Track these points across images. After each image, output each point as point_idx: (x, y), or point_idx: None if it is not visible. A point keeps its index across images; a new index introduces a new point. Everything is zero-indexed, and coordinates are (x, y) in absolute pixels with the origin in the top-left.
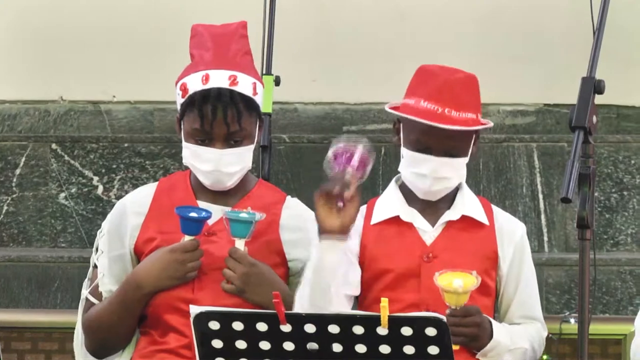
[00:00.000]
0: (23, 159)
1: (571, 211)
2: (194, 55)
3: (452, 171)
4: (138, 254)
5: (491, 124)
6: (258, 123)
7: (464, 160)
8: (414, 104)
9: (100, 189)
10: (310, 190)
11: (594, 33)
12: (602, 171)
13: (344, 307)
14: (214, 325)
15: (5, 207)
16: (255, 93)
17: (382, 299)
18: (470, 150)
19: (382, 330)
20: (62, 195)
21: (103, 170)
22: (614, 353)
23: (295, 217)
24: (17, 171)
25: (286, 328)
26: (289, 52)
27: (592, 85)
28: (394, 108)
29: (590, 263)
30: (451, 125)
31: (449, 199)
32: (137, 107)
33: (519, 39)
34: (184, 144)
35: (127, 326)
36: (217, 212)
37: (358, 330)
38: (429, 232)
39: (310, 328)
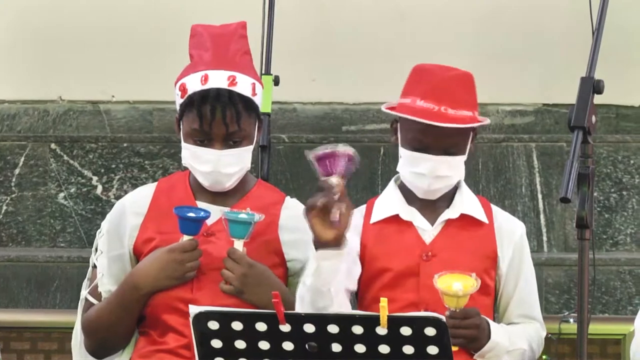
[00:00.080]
0: (22, 159)
1: (570, 211)
2: (193, 56)
3: (450, 169)
4: (137, 254)
5: (488, 121)
6: (257, 124)
7: (462, 158)
8: (411, 103)
9: (100, 188)
10: (309, 190)
11: (593, 33)
12: (602, 171)
13: (344, 301)
14: (213, 325)
15: (4, 207)
16: (254, 93)
17: (382, 298)
18: (468, 148)
19: (382, 330)
20: (61, 195)
21: (102, 170)
22: (613, 353)
23: (294, 217)
24: (16, 171)
25: (285, 328)
26: (288, 52)
27: (591, 85)
28: (391, 108)
29: (589, 263)
30: (448, 123)
31: (448, 197)
32: (136, 107)
33: (518, 39)
34: (183, 144)
35: (126, 326)
36: (216, 212)
37: (357, 330)
38: (428, 231)
39: (309, 328)
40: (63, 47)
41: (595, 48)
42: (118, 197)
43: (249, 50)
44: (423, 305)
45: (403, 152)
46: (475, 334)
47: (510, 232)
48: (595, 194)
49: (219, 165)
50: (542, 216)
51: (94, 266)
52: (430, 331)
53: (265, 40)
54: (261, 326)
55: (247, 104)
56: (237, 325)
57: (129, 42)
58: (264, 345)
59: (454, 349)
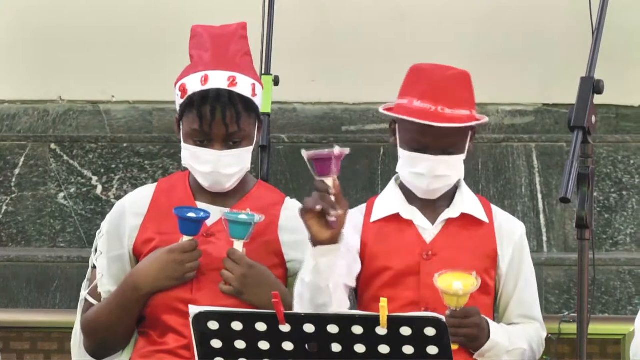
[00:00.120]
0: (22, 159)
1: (570, 211)
2: (193, 56)
3: (449, 169)
4: (137, 255)
5: (486, 119)
6: (257, 124)
7: (461, 157)
8: (408, 103)
9: (99, 188)
10: (309, 190)
11: (593, 33)
12: (601, 171)
13: (343, 297)
14: (213, 325)
15: (4, 207)
16: (254, 94)
17: (382, 299)
18: (467, 147)
19: (381, 330)
20: (61, 195)
21: (102, 170)
22: (613, 353)
23: (294, 218)
24: (16, 171)
25: (285, 328)
26: (288, 52)
27: (591, 85)
28: (388, 109)
29: (589, 263)
30: (445, 123)
31: (449, 197)
32: (136, 107)
33: (518, 39)
34: (183, 145)
35: (125, 327)
36: (216, 213)
37: (357, 330)
38: (428, 230)
39: (309, 328)
40: (63, 47)
41: (595, 48)
42: (118, 197)
43: (249, 51)
44: (423, 304)
45: (402, 152)
46: (476, 333)
47: (510, 231)
48: (595, 194)
49: (219, 165)
50: (542, 216)
51: (94, 267)
52: (430, 331)
53: (265, 40)
54: (261, 326)
55: (247, 104)
56: (237, 326)
57: (129, 42)
58: (263, 345)
59: (454, 347)
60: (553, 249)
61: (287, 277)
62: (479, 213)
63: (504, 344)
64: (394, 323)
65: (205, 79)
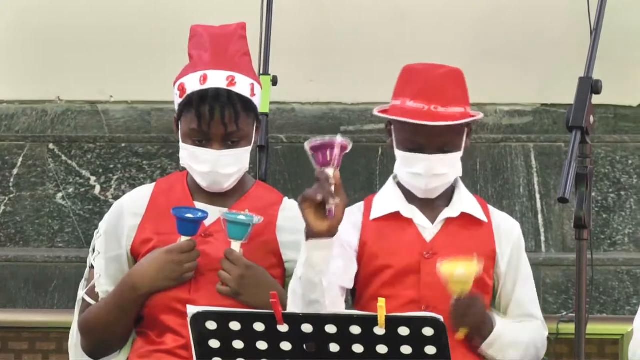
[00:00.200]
0: (20, 159)
1: (568, 211)
2: (193, 56)
3: (447, 167)
4: (135, 255)
5: (481, 115)
6: (255, 124)
7: (458, 154)
8: (401, 104)
9: (98, 189)
10: None
11: (591, 33)
12: (600, 171)
13: (338, 299)
14: (211, 325)
15: (2, 207)
16: (253, 94)
17: (380, 299)
18: (463, 144)
19: (380, 330)
20: (60, 195)
21: (100, 170)
22: (611, 353)
23: (292, 218)
24: (15, 171)
25: (283, 328)
26: (286, 52)
27: (589, 85)
28: (383, 111)
29: (587, 263)
30: (439, 122)
31: (447, 196)
32: (135, 107)
33: (517, 40)
34: (181, 144)
35: (123, 326)
36: (214, 213)
37: (355, 330)
38: (428, 229)
39: (307, 328)
40: (61, 48)
41: (594, 48)
42: (116, 198)
43: (249, 51)
44: (424, 303)
45: (398, 153)
46: (483, 319)
47: (508, 231)
48: (593, 194)
49: (217, 165)
50: (540, 216)
51: (92, 267)
52: (428, 331)
53: (263, 40)
54: (259, 326)
55: (246, 104)
56: (235, 326)
57: (128, 43)
58: (261, 345)
59: (461, 336)
60: (551, 249)
61: (285, 277)
62: (478, 212)
63: (508, 336)
64: (392, 323)
65: (204, 79)
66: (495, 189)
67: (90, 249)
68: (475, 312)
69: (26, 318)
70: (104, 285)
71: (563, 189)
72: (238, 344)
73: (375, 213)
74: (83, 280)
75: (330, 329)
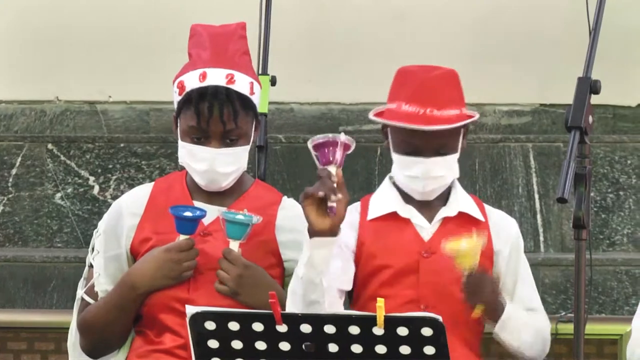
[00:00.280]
0: (19, 159)
1: (567, 211)
2: (192, 55)
3: (443, 169)
4: (134, 254)
5: (477, 116)
6: (254, 123)
7: (455, 156)
8: (396, 108)
9: (96, 189)
10: None
11: (589, 33)
12: (598, 171)
13: (336, 301)
14: (210, 325)
15: (1, 207)
16: (252, 92)
17: (378, 299)
18: (460, 145)
19: (378, 331)
20: (58, 195)
21: (99, 171)
22: (610, 353)
23: (291, 218)
24: (13, 171)
25: (282, 328)
26: (285, 52)
27: (588, 85)
28: (378, 114)
29: (586, 263)
30: (434, 126)
31: (444, 196)
32: (133, 107)
33: (515, 40)
34: (180, 143)
35: (122, 326)
36: (213, 212)
37: (354, 330)
38: (426, 229)
39: (306, 328)
40: (60, 47)
41: (592, 48)
42: (115, 198)
43: (248, 51)
44: (423, 302)
45: (395, 156)
46: (496, 296)
47: (505, 229)
48: (592, 194)
49: (215, 164)
50: (538, 216)
51: (91, 266)
52: (427, 331)
53: (262, 40)
54: (258, 326)
55: (245, 102)
56: (233, 326)
57: (127, 43)
58: (260, 345)
59: (478, 313)
60: (550, 249)
61: (284, 277)
62: (475, 212)
63: (519, 318)
64: (391, 323)
65: (203, 76)
66: (494, 189)
67: (90, 249)
68: (488, 287)
69: (25, 318)
70: (103, 284)
71: (562, 189)
72: (237, 344)
73: (372, 213)
74: (82, 279)
75: (329, 329)
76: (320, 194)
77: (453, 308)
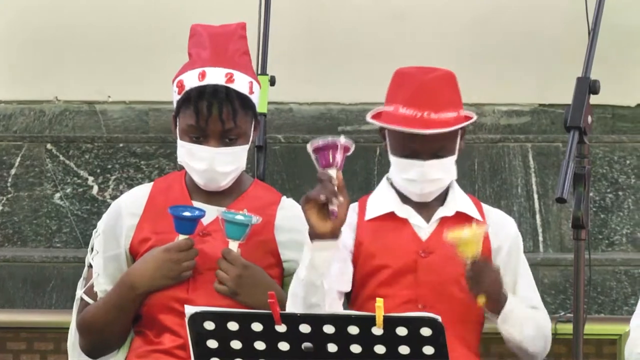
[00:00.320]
0: (18, 159)
1: (566, 211)
2: (192, 54)
3: (441, 172)
4: (133, 254)
5: (474, 118)
6: (253, 123)
7: (452, 158)
8: (393, 110)
9: (96, 189)
10: (305, 190)
11: (589, 33)
12: (597, 171)
13: (336, 303)
14: (209, 325)
15: (0, 207)
16: (251, 92)
17: (378, 299)
18: (457, 147)
19: (377, 331)
20: (57, 195)
21: (98, 171)
22: (609, 353)
23: (290, 218)
24: (12, 171)
25: (281, 328)
26: (284, 52)
27: (587, 86)
28: (376, 116)
29: (585, 263)
30: (432, 130)
31: (441, 196)
32: (132, 107)
33: (515, 40)
34: (179, 142)
35: (121, 326)
36: (212, 212)
37: (353, 330)
38: (424, 228)
39: (305, 328)
40: (59, 47)
41: (591, 48)
42: (114, 198)
43: (248, 51)
44: (421, 302)
45: (392, 159)
46: (499, 285)
47: (503, 227)
48: (591, 194)
49: (214, 163)
50: (538, 216)
51: (90, 266)
52: (426, 331)
53: (261, 40)
54: (257, 326)
55: (244, 101)
56: (232, 326)
57: (126, 43)
58: (259, 345)
59: (482, 302)
60: (549, 249)
61: (283, 277)
62: (472, 211)
63: (522, 311)
64: (390, 323)
65: (202, 75)
66: (493, 189)
67: (89, 249)
68: (491, 276)
69: (24, 318)
70: (103, 284)
71: (561, 189)
72: (236, 344)
73: (370, 213)
74: (81, 279)
75: (328, 329)
76: (322, 198)
77: (451, 308)
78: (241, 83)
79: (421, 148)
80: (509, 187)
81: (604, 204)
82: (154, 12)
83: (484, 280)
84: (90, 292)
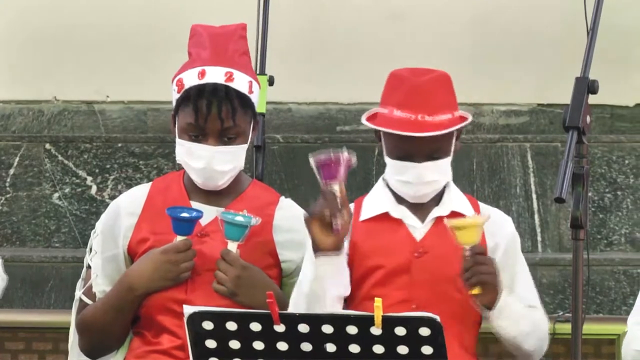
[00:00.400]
0: (17, 159)
1: (565, 211)
2: (192, 53)
3: (436, 174)
4: (132, 255)
5: (469, 119)
6: (252, 122)
7: (448, 159)
8: (388, 113)
9: (94, 189)
10: (304, 190)
11: (587, 33)
12: (596, 171)
13: (337, 306)
14: (208, 325)
15: None
16: (250, 91)
17: (376, 299)
18: (452, 149)
19: (376, 330)
20: (56, 195)
21: (97, 170)
22: (607, 353)
23: (289, 218)
24: (11, 171)
25: (280, 328)
26: (283, 51)
27: (585, 85)
28: (371, 118)
29: (583, 263)
30: (426, 132)
31: (437, 196)
32: (131, 107)
33: (513, 39)
34: (178, 140)
35: (120, 327)
36: (210, 212)
37: (352, 330)
38: (418, 229)
39: (303, 328)
40: (58, 47)
41: (590, 48)
42: (112, 198)
43: (248, 51)
44: (414, 302)
45: (388, 160)
46: (495, 278)
47: (500, 225)
48: (589, 194)
49: (213, 161)
50: (536, 216)
51: (88, 266)
52: (424, 331)
53: (260, 40)
54: (255, 326)
55: (243, 100)
56: (231, 326)
57: (124, 43)
58: (258, 345)
59: (476, 292)
60: (547, 249)
61: (282, 277)
62: (468, 211)
63: (517, 307)
64: (389, 323)
65: (202, 74)
66: (492, 189)
67: (87, 249)
68: (487, 267)
69: (23, 318)
70: (101, 285)
71: (560, 189)
72: (234, 344)
73: (364, 214)
74: (80, 280)
75: (327, 329)
76: (327, 214)
77: (446, 307)
78: (241, 82)
79: (416, 150)
80: (508, 187)
81: (602, 204)
82: (153, 12)
83: (480, 270)
84: (89, 292)
